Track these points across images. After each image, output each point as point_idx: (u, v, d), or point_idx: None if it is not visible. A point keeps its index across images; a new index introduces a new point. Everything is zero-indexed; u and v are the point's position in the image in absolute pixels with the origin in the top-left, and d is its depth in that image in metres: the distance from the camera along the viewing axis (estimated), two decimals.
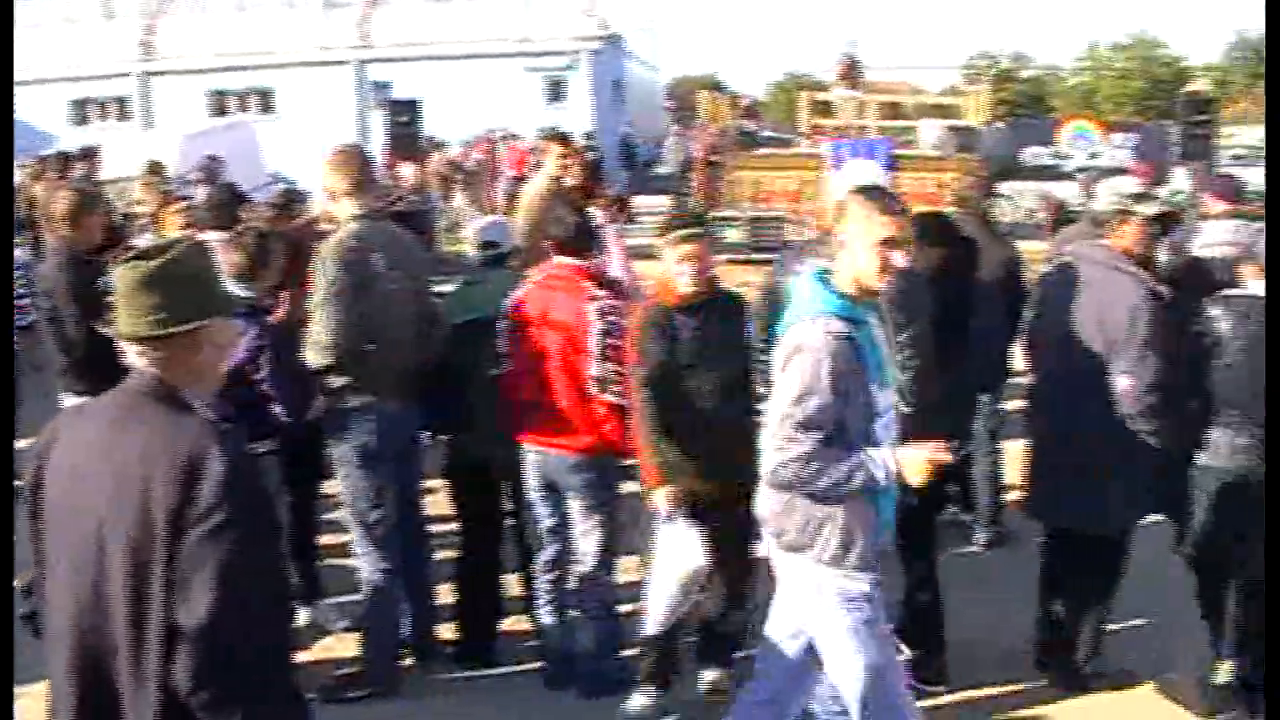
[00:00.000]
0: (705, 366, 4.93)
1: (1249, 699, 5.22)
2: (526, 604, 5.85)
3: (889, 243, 3.81)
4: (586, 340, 5.08)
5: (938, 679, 5.38)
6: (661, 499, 4.87)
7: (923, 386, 4.80)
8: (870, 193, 4.05)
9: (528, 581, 5.81)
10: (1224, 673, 5.30)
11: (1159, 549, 5.75)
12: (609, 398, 5.09)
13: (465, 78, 32.42)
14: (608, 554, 5.35)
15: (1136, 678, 5.55)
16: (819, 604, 3.98)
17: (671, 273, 4.97)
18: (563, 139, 8.80)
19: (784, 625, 4.22)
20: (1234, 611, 5.24)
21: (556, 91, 35.89)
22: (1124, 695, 5.47)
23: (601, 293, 5.20)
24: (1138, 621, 6.03)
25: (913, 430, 4.25)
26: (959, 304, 5.32)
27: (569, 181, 8.16)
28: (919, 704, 4.51)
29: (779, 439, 3.79)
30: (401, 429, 5.39)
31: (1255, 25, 67.64)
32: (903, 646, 5.50)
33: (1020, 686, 5.54)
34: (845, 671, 3.99)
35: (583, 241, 5.42)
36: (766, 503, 4.04)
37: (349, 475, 5.32)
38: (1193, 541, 5.25)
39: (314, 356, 5.09)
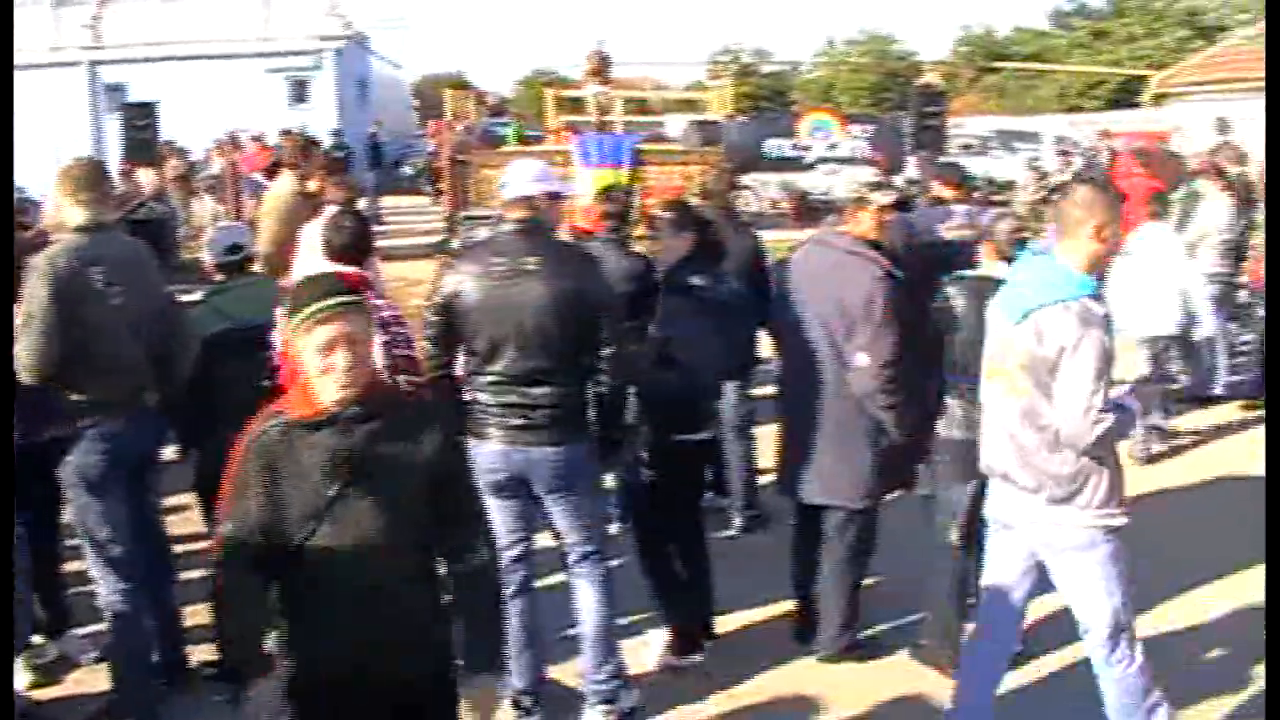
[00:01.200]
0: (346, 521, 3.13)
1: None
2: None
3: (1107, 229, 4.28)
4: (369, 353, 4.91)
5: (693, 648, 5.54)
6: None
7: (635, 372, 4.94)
8: (1103, 184, 4.65)
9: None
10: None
11: (907, 518, 6.04)
12: None
13: (205, 79, 31.32)
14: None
15: (890, 645, 5.80)
16: (1082, 544, 4.35)
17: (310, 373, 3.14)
18: (306, 141, 8.63)
19: (1011, 579, 4.61)
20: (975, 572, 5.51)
21: (300, 92, 35.03)
22: (879, 663, 5.70)
23: (381, 303, 5.02)
24: (889, 590, 6.27)
25: (651, 419, 4.44)
26: (703, 290, 5.46)
27: (313, 185, 8.03)
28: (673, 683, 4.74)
29: (1093, 413, 4.11)
30: (131, 448, 5.10)
31: (979, 20, 70.70)
32: (653, 638, 5.68)
33: (782, 660, 5.69)
34: (1101, 599, 4.39)
35: (360, 249, 5.24)
36: (1042, 463, 4.29)
37: (77, 498, 5.03)
38: (937, 508, 5.53)
39: (22, 377, 4.78)
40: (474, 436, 4.87)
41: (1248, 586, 6.24)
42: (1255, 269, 9.51)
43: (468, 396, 4.93)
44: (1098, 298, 4.30)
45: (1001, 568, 4.67)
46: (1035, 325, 4.22)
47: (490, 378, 4.82)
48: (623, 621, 5.48)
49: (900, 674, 5.61)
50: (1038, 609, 5.14)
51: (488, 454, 4.84)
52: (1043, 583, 4.64)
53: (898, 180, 13.35)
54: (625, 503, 5.90)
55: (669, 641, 5.58)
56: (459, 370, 5.01)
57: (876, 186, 5.82)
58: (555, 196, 5.18)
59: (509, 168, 5.09)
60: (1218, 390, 10.01)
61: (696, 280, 5.46)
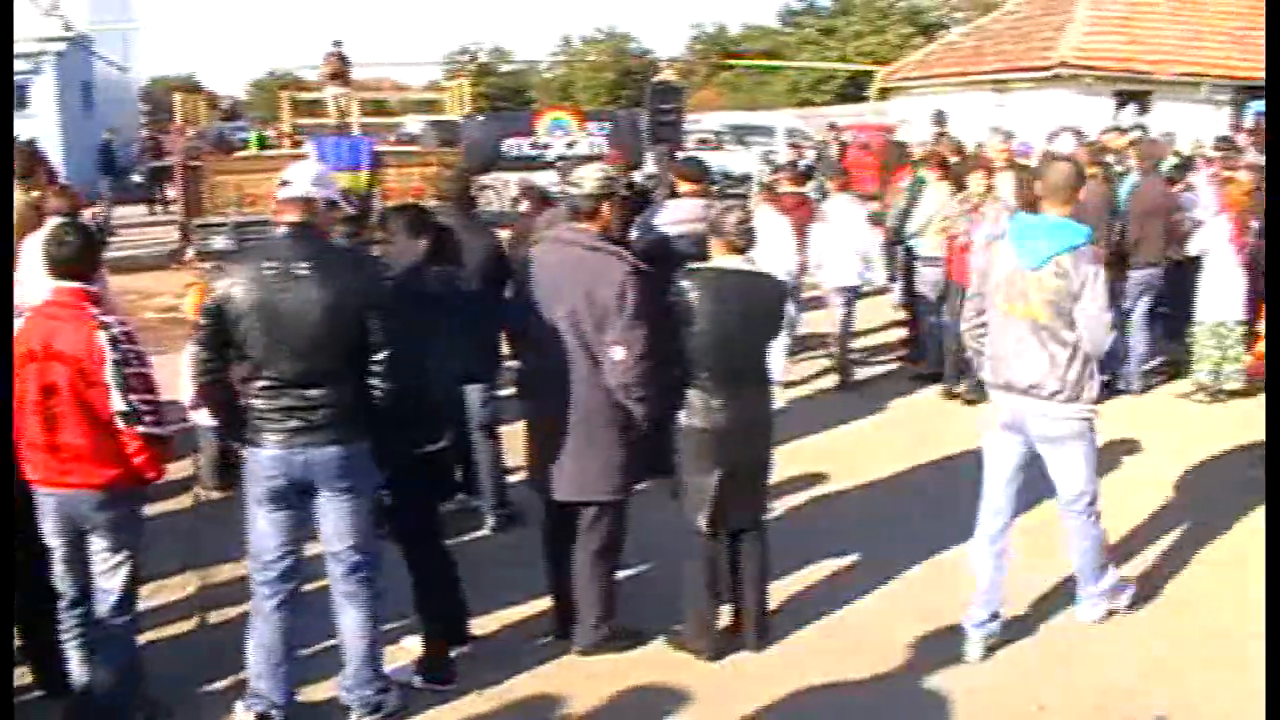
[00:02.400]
0: None
1: (758, 640, 5.75)
2: (36, 649, 5.34)
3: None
4: (100, 372, 4.59)
5: (448, 677, 5.46)
6: None
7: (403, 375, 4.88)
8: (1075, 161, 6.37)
9: (33, 627, 5.28)
10: (725, 617, 5.78)
11: (659, 507, 6.14)
12: (142, 430, 4.75)
13: None
14: (132, 590, 5.03)
15: (648, 633, 5.85)
16: (1078, 433, 5.66)
17: None
18: (32, 149, 8.19)
19: (1009, 473, 5.78)
20: (728, 559, 5.69)
21: (20, 98, 33.30)
22: (638, 653, 5.75)
23: (110, 319, 4.72)
24: (644, 578, 6.40)
25: (396, 420, 4.45)
26: (441, 294, 5.42)
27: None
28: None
29: (1106, 327, 5.60)
30: None
31: (712, 19, 71.94)
32: (411, 645, 5.63)
33: (542, 657, 5.70)
34: (1086, 473, 5.79)
35: (85, 263, 4.83)
36: (1064, 372, 5.48)
37: None
38: (685, 497, 5.60)
39: None
40: (251, 443, 4.76)
41: None
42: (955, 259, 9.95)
43: (243, 402, 4.80)
44: (1094, 241, 5.70)
45: (1002, 465, 5.79)
46: (1057, 266, 5.38)
47: (265, 382, 4.70)
48: (389, 626, 5.42)
49: (658, 662, 5.68)
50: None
51: (266, 459, 4.73)
52: None
53: (635, 175, 13.55)
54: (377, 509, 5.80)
55: (426, 647, 5.53)
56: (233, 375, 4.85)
57: (614, 181, 5.87)
58: (333, 205, 5.07)
59: (290, 168, 4.95)
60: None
61: (432, 283, 5.42)
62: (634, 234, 7.25)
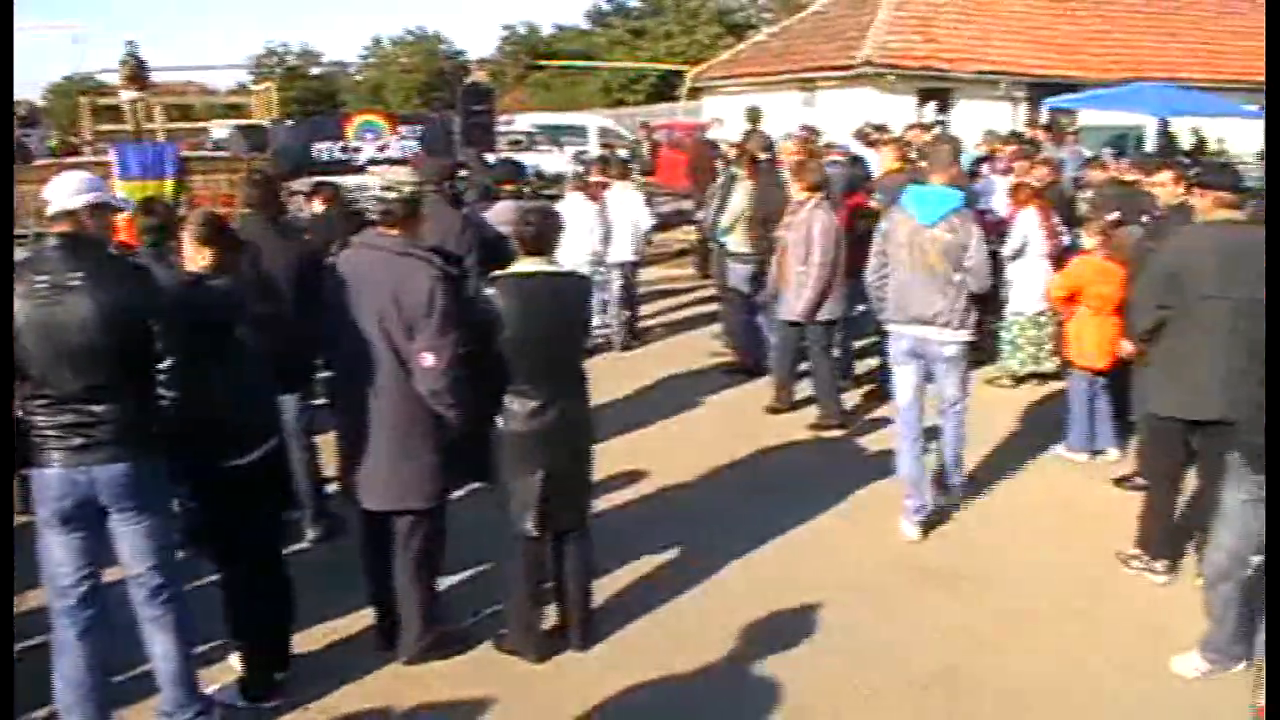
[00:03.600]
0: None
1: (583, 639, 5.79)
2: None
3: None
4: None
5: (270, 695, 5.38)
6: None
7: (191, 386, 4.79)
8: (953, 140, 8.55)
9: None
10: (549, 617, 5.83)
11: (475, 510, 6.18)
12: None
13: None
14: None
15: (473, 638, 5.85)
16: (962, 353, 7.29)
17: None
18: None
19: (915, 392, 7.35)
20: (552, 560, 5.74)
21: None
22: (464, 658, 5.74)
23: None
24: (465, 583, 6.42)
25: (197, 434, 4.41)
26: (241, 304, 5.29)
27: None
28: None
29: (987, 271, 7.21)
30: None
31: (521, 19, 71.80)
32: (235, 663, 5.51)
33: (367, 669, 5.64)
34: (962, 384, 7.41)
35: None
36: (953, 304, 7.05)
37: None
38: (508, 500, 5.58)
39: None
40: (35, 463, 4.58)
41: None
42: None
43: (25, 422, 4.61)
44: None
45: (909, 385, 7.33)
46: (949, 223, 7.00)
47: (45, 400, 4.53)
48: (201, 648, 5.30)
49: (485, 666, 5.68)
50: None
51: (51, 480, 4.56)
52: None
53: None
54: (186, 526, 5.64)
55: (246, 666, 5.42)
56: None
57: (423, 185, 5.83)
58: (101, 208, 4.89)
59: (52, 182, 4.76)
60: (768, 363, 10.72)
61: (215, 293, 5.25)
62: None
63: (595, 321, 10.32)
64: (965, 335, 7.17)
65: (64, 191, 4.72)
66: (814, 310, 9.32)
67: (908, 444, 7.33)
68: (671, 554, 6.98)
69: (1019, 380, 10.73)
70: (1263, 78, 23.68)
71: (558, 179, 21.59)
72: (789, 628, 6.06)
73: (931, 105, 23.51)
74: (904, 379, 7.35)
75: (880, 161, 11.54)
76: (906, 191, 7.42)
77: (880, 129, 15.09)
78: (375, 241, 5.47)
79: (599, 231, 11.96)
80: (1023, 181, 10.86)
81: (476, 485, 6.46)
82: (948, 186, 7.20)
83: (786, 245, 9.45)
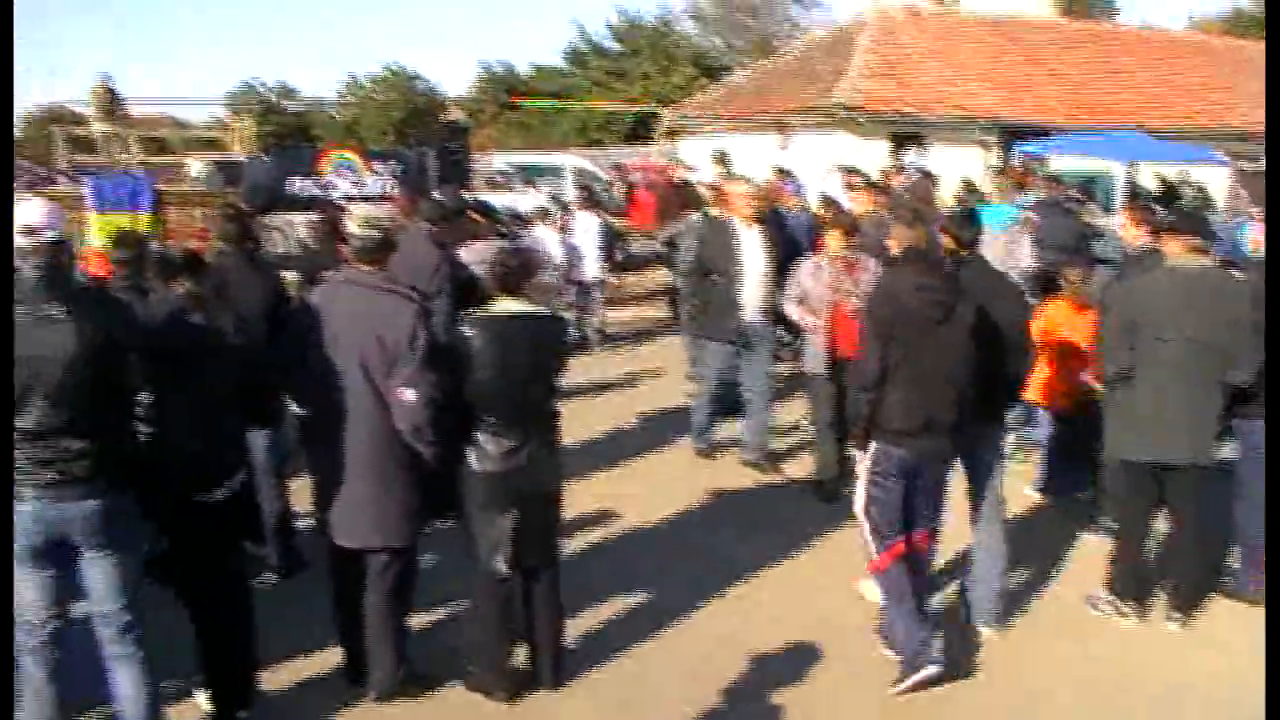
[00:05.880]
0: None
1: (554, 678, 5.77)
2: None
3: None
4: None
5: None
6: None
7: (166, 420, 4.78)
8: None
9: None
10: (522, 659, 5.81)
11: (439, 548, 6.20)
12: None
13: None
14: None
15: (442, 676, 5.82)
16: None
17: None
18: None
19: None
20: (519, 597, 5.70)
21: None
22: (435, 695, 5.73)
23: None
24: (432, 620, 6.41)
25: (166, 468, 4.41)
26: (215, 338, 5.28)
27: None
28: None
29: None
30: None
31: (498, 57, 72.19)
32: (201, 699, 5.47)
33: (335, 708, 5.62)
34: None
35: None
36: None
37: None
38: (479, 539, 5.56)
39: None
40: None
41: None
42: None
43: None
44: None
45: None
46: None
47: (17, 434, 4.47)
48: (165, 683, 5.21)
49: (456, 705, 5.67)
50: None
51: (24, 515, 4.49)
52: None
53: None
54: (150, 559, 5.60)
55: (214, 703, 5.38)
56: None
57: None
58: (58, 245, 4.84)
59: (27, 213, 4.70)
60: None
61: (187, 328, 5.26)
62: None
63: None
64: None
65: (52, 220, 4.71)
66: None
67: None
68: (646, 593, 6.97)
69: None
70: (1233, 125, 24.20)
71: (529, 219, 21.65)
72: (766, 671, 6.05)
73: (914, 150, 23.66)
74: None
75: (857, 204, 11.58)
76: None
77: (853, 172, 15.16)
78: (355, 277, 5.47)
79: (563, 254, 13.95)
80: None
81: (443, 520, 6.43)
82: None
83: (842, 301, 8.51)
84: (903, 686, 5.77)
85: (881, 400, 5.83)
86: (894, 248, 6.21)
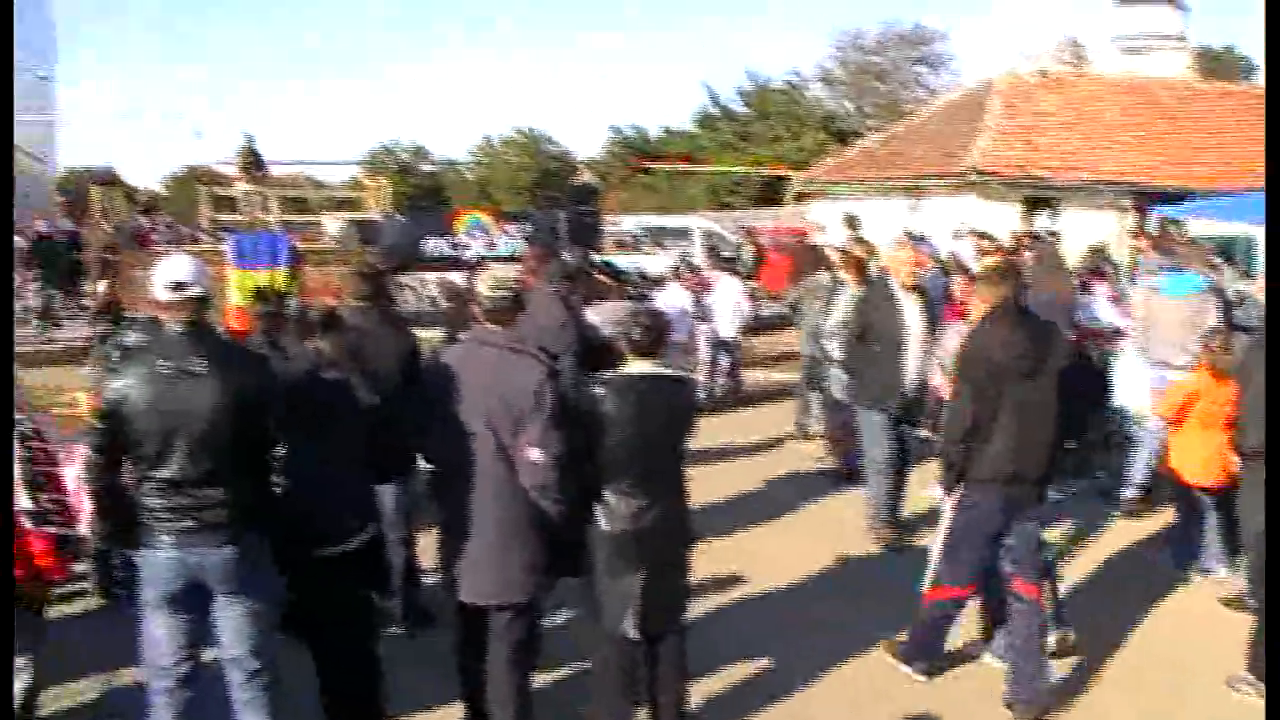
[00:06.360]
0: None
1: None
2: None
3: None
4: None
5: None
6: None
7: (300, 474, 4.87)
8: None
9: None
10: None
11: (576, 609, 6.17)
12: (50, 529, 4.64)
13: None
14: (30, 699, 4.89)
15: None
16: None
17: None
18: None
19: None
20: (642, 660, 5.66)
21: None
22: None
23: (20, 416, 4.73)
24: (554, 681, 6.39)
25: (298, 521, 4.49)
26: (350, 394, 5.39)
27: None
28: None
29: None
30: None
31: (628, 121, 72.86)
32: None
33: None
34: None
35: None
36: None
37: None
38: (606, 600, 5.53)
39: None
40: (144, 545, 4.67)
41: None
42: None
43: (134, 503, 4.70)
44: None
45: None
46: None
47: (158, 482, 4.63)
48: None
49: None
50: None
51: (160, 561, 4.64)
52: None
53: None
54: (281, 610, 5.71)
55: None
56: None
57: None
58: (202, 300, 4.99)
59: (176, 269, 4.87)
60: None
61: (325, 385, 5.38)
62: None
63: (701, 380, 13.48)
64: None
65: (199, 277, 4.85)
66: None
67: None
68: (767, 660, 6.89)
69: None
70: None
71: (661, 280, 21.79)
72: None
73: (1045, 214, 23.37)
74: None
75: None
76: None
77: (984, 236, 15.01)
78: (484, 337, 5.54)
79: (695, 314, 14.43)
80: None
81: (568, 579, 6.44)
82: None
83: None
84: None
85: (971, 450, 6.10)
86: (984, 304, 6.37)
